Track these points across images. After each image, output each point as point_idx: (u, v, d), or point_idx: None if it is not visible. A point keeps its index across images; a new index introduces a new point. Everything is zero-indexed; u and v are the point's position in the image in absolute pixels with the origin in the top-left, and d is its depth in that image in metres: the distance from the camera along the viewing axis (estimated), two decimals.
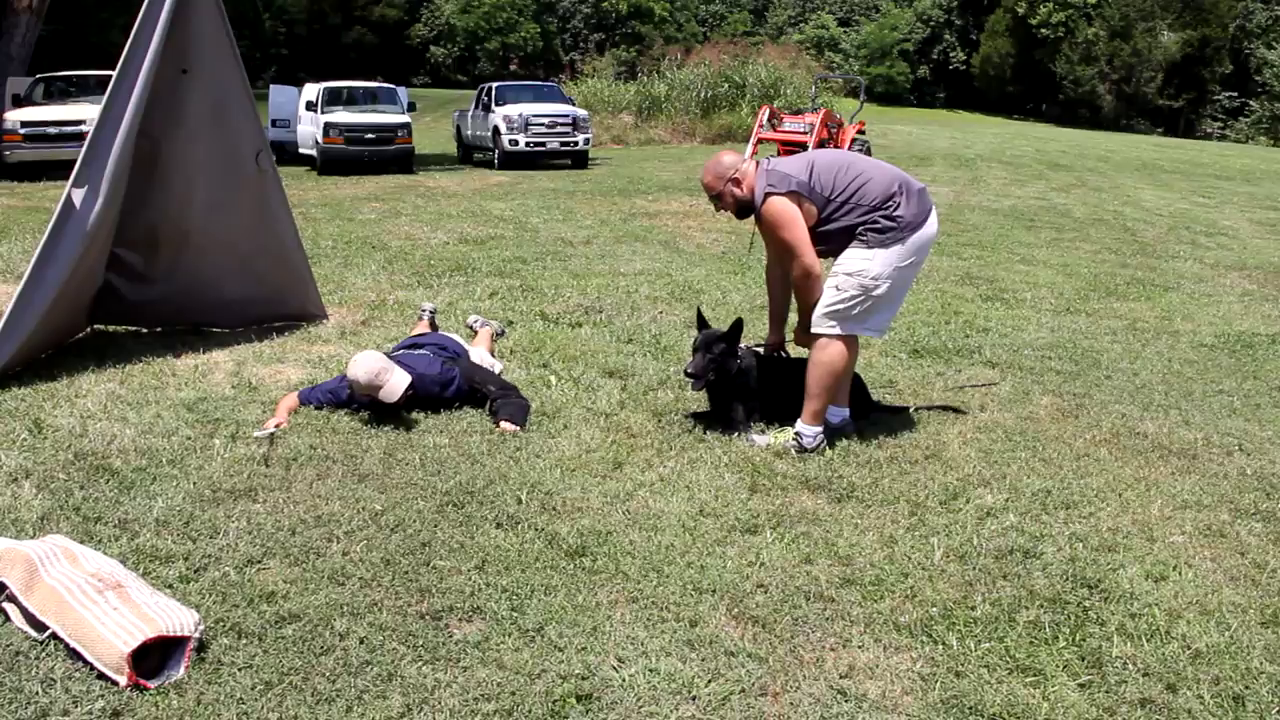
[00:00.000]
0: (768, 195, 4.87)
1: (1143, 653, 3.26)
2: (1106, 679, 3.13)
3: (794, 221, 4.85)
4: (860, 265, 4.88)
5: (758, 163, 5.08)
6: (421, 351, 5.70)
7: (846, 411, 5.27)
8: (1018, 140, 38.32)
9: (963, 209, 15.86)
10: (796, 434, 5.05)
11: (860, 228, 4.89)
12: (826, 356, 4.98)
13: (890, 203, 4.87)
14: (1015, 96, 75.21)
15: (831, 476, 4.67)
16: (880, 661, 3.21)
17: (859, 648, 3.29)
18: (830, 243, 4.97)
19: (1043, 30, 71.21)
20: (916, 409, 5.69)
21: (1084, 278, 10.19)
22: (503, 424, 5.23)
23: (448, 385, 5.51)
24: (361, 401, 5.28)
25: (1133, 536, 4.13)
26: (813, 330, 5.05)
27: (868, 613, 3.50)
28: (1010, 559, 3.90)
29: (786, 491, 4.52)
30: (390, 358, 5.36)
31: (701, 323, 5.41)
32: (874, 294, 4.90)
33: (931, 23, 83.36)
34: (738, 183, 5.01)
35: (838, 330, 4.96)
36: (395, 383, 5.14)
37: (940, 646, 3.30)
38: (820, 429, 5.05)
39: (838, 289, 4.93)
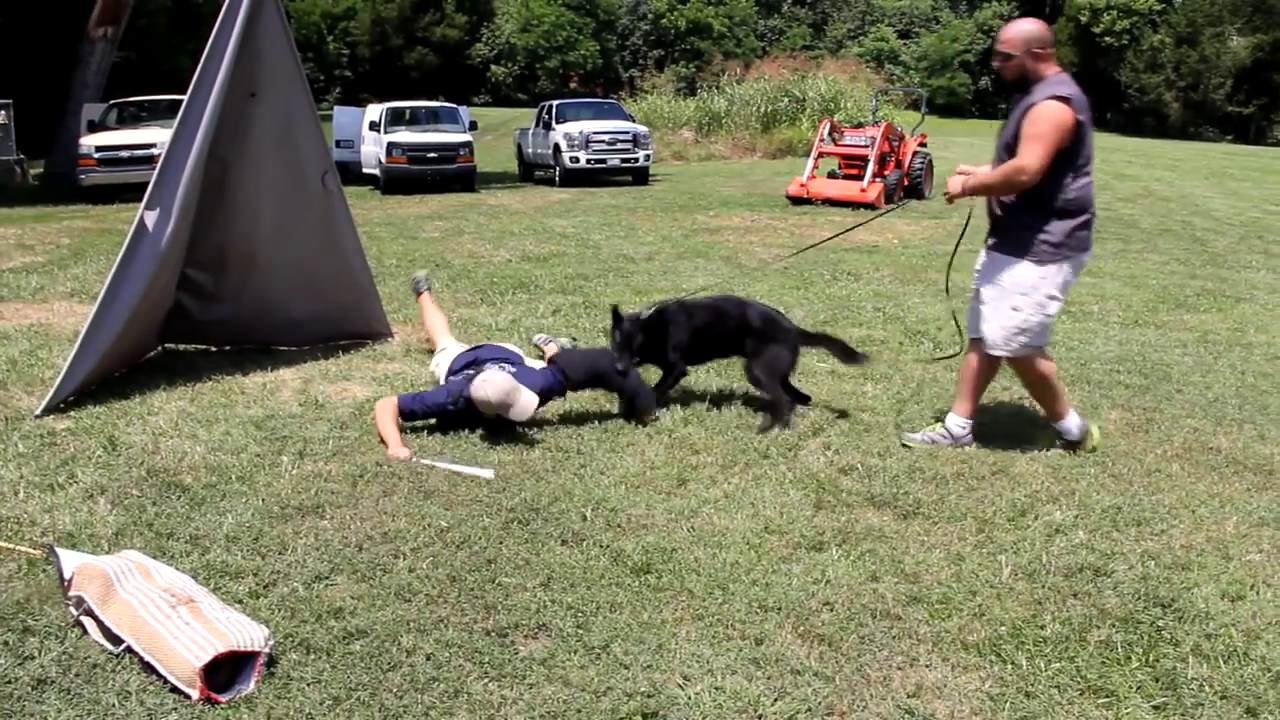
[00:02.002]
0: (1063, 99, 4.74)
1: (1220, 674, 3.19)
2: (1182, 701, 3.06)
3: (1058, 135, 4.73)
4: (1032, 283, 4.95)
5: (1062, 70, 4.93)
6: (511, 369, 5.64)
7: (971, 421, 5.34)
8: None
9: None
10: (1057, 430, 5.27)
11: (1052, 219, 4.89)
12: (1025, 377, 5.26)
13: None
14: None
15: (897, 493, 4.62)
16: (948, 681, 3.17)
17: (926, 667, 3.25)
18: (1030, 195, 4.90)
19: (1106, 39, 70.33)
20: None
21: (1152, 289, 10.01)
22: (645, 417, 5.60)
23: (554, 390, 5.63)
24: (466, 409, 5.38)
25: (1207, 554, 4.04)
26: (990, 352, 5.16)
27: (935, 631, 3.46)
28: (1080, 577, 3.84)
29: (852, 508, 4.48)
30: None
31: (617, 321, 5.70)
32: (1049, 312, 5.02)
33: (992, 33, 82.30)
34: (1039, 59, 4.87)
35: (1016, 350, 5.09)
36: (525, 402, 5.20)
37: (1009, 666, 3.25)
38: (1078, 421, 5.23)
39: (1014, 310, 4.99)
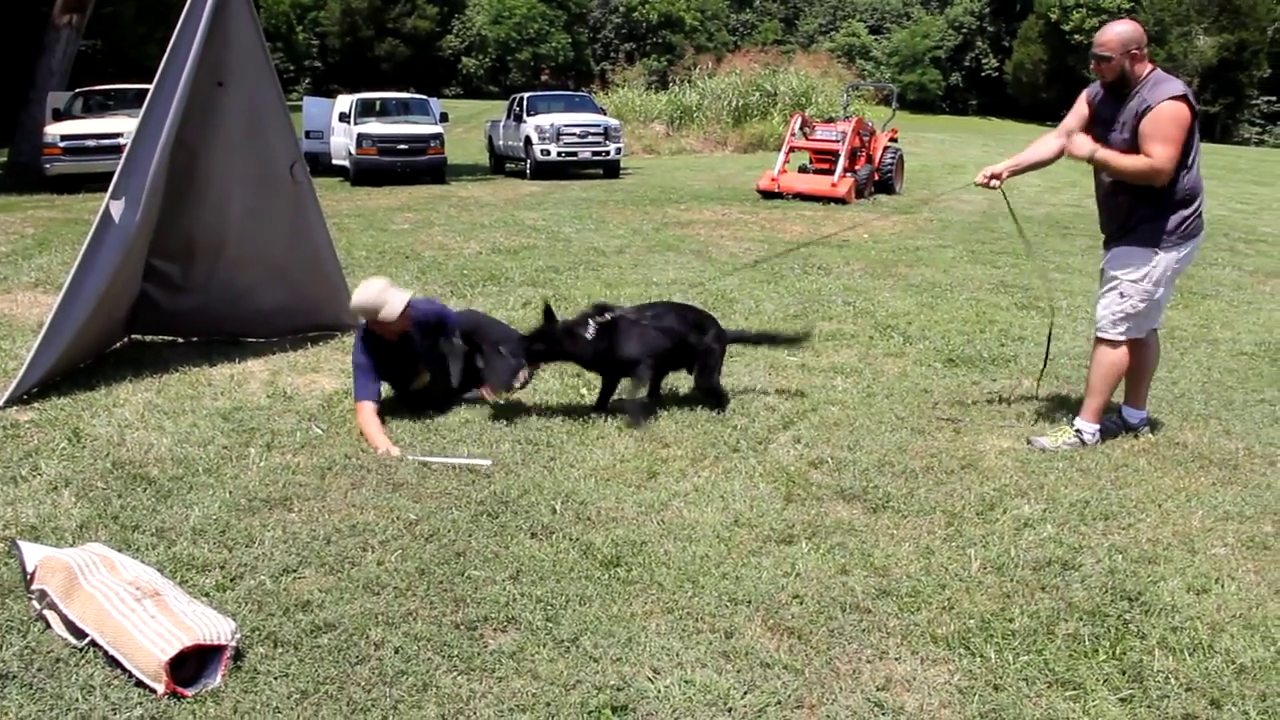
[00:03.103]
0: (1180, 98, 4.87)
1: (1185, 667, 3.21)
2: (1148, 693, 3.08)
3: (1183, 134, 4.89)
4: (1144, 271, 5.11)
5: (1156, 66, 5.05)
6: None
7: (1144, 413, 5.52)
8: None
9: (996, 217, 15.74)
10: (1077, 431, 5.31)
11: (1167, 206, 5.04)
12: (1108, 359, 5.25)
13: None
14: (1049, 103, 74.52)
15: (867, 486, 4.63)
16: (917, 674, 3.18)
17: (896, 660, 3.26)
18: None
19: (1076, 36, 70.71)
20: None
21: None
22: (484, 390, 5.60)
23: (446, 323, 5.69)
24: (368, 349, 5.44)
25: (1173, 548, 4.07)
26: (1098, 335, 5.32)
27: (904, 624, 3.47)
28: (1048, 570, 3.86)
29: (822, 502, 4.49)
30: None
31: (549, 317, 5.55)
32: (1155, 298, 5.16)
33: (963, 30, 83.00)
34: (1136, 60, 4.98)
35: (1122, 335, 5.21)
36: (395, 299, 5.31)
37: (978, 659, 3.26)
38: (1098, 426, 5.32)
39: (1122, 295, 5.15)
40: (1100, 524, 4.30)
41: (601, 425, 5.43)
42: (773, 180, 18.22)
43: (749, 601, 3.58)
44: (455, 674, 3.11)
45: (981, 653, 3.29)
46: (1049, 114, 73.64)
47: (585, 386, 6.14)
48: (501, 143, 26.16)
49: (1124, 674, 3.19)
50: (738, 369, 6.53)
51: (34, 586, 3.39)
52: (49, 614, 3.32)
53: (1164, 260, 5.07)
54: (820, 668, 3.20)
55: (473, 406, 5.71)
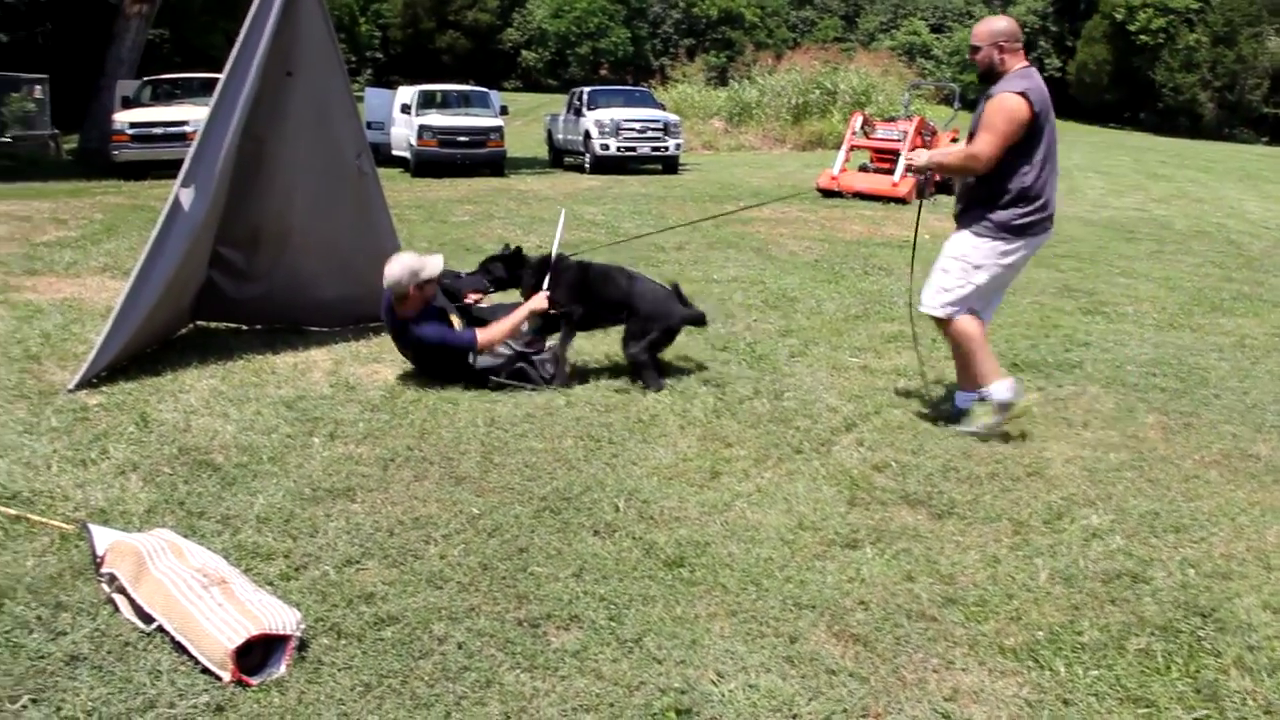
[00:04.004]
0: (1020, 93, 5.02)
1: (1263, 688, 3.13)
2: (1224, 714, 3.01)
3: (1011, 127, 5.03)
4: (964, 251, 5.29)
5: (1028, 66, 5.24)
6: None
7: (974, 395, 5.45)
8: (1115, 149, 37.54)
9: (1059, 220, 15.40)
10: (982, 399, 5.36)
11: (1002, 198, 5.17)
12: (952, 337, 5.42)
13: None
14: (1112, 104, 73.52)
15: (931, 492, 4.57)
16: (985, 685, 3.12)
17: (963, 670, 3.21)
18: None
19: (1142, 37, 69.54)
20: None
21: (1187, 292, 9.89)
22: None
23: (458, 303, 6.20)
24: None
25: (1248, 564, 3.97)
26: (929, 315, 5.50)
27: (971, 634, 3.41)
28: (1118, 583, 3.78)
29: (886, 506, 4.44)
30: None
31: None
32: (974, 281, 5.28)
33: (1026, 29, 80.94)
34: (1004, 52, 5.19)
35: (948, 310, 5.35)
36: (433, 260, 5.77)
37: (1047, 672, 3.20)
38: (1006, 384, 5.32)
39: (944, 271, 5.35)
40: (1171, 536, 4.21)
41: (663, 423, 5.40)
42: (832, 179, 18.10)
43: (813, 606, 3.54)
44: (518, 671, 3.10)
45: (1050, 665, 3.23)
46: (1112, 115, 72.65)
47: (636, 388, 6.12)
48: (561, 136, 26.22)
49: (1198, 693, 3.11)
50: (800, 369, 6.48)
51: (104, 570, 3.43)
52: (118, 598, 3.35)
53: (985, 246, 5.21)
54: (886, 676, 3.16)
55: (531, 398, 5.72)
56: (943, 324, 5.44)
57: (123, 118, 19.84)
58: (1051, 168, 5.19)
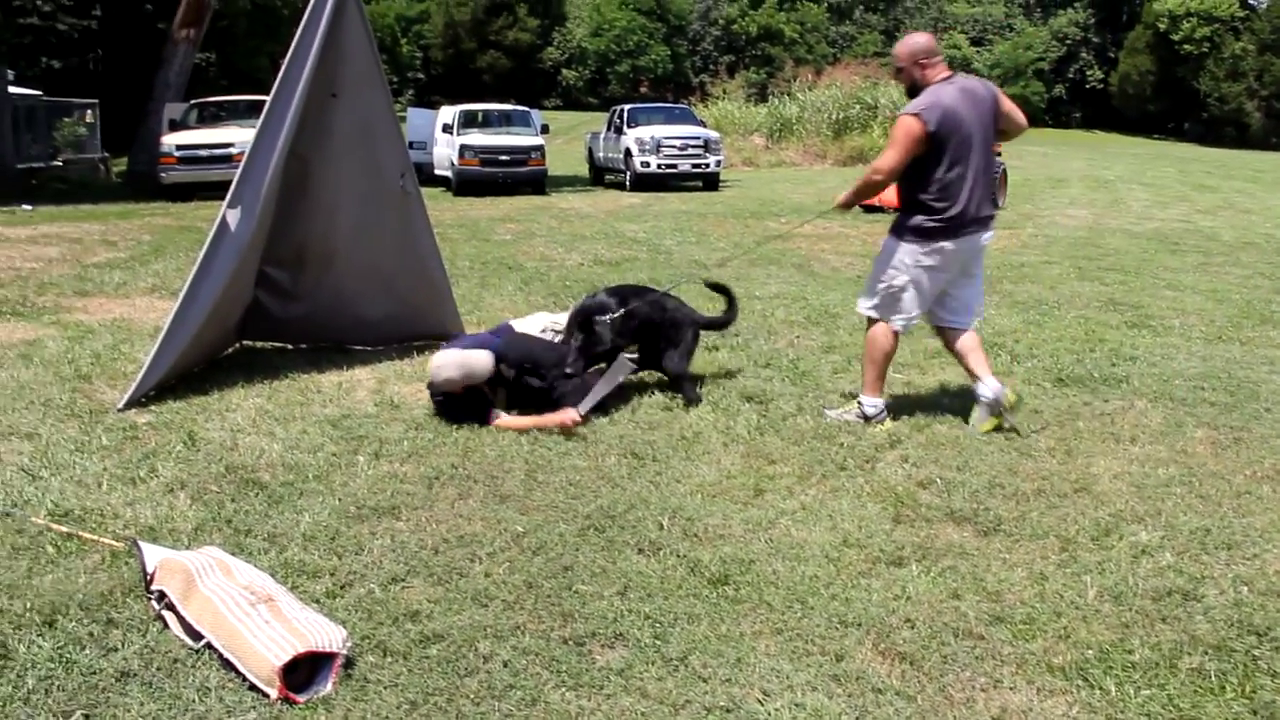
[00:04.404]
0: (914, 114, 5.33)
1: None
2: None
3: (907, 142, 5.33)
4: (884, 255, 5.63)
5: (950, 78, 5.49)
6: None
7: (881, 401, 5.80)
8: (1159, 160, 37.16)
9: (1103, 232, 15.41)
10: (859, 403, 5.75)
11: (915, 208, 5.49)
12: (869, 335, 5.73)
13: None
14: (1155, 115, 72.86)
15: (977, 509, 4.53)
16: (1034, 705, 3.08)
17: (1011, 689, 3.16)
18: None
19: (1185, 46, 68.92)
20: None
21: (1236, 304, 9.75)
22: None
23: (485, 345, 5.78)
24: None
25: None
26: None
27: (1019, 653, 3.37)
28: (1169, 601, 3.72)
29: (931, 523, 4.40)
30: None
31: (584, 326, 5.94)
32: (894, 283, 5.57)
33: (1068, 41, 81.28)
34: (925, 68, 5.49)
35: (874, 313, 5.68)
36: (476, 356, 5.56)
37: (1097, 691, 3.15)
38: (878, 400, 5.75)
39: (871, 275, 5.71)
40: (1223, 553, 4.13)
41: (706, 440, 5.40)
42: None
43: (859, 624, 3.51)
44: (564, 689, 3.09)
45: (1101, 685, 3.18)
46: (1155, 126, 71.98)
47: (676, 402, 6.11)
48: (602, 154, 26.34)
49: (1254, 714, 3.05)
50: (844, 386, 6.45)
51: (153, 587, 3.46)
52: (167, 614, 3.38)
53: (903, 249, 5.52)
54: (933, 695, 3.12)
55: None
56: (869, 321, 5.74)
57: (170, 140, 20.16)
58: (965, 175, 5.39)
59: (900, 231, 5.55)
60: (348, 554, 3.97)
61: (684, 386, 6.12)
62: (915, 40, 5.58)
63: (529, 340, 6.09)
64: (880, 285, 5.60)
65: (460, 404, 5.61)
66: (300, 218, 6.62)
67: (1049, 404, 6.20)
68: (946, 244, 5.46)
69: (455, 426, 5.51)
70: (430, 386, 5.66)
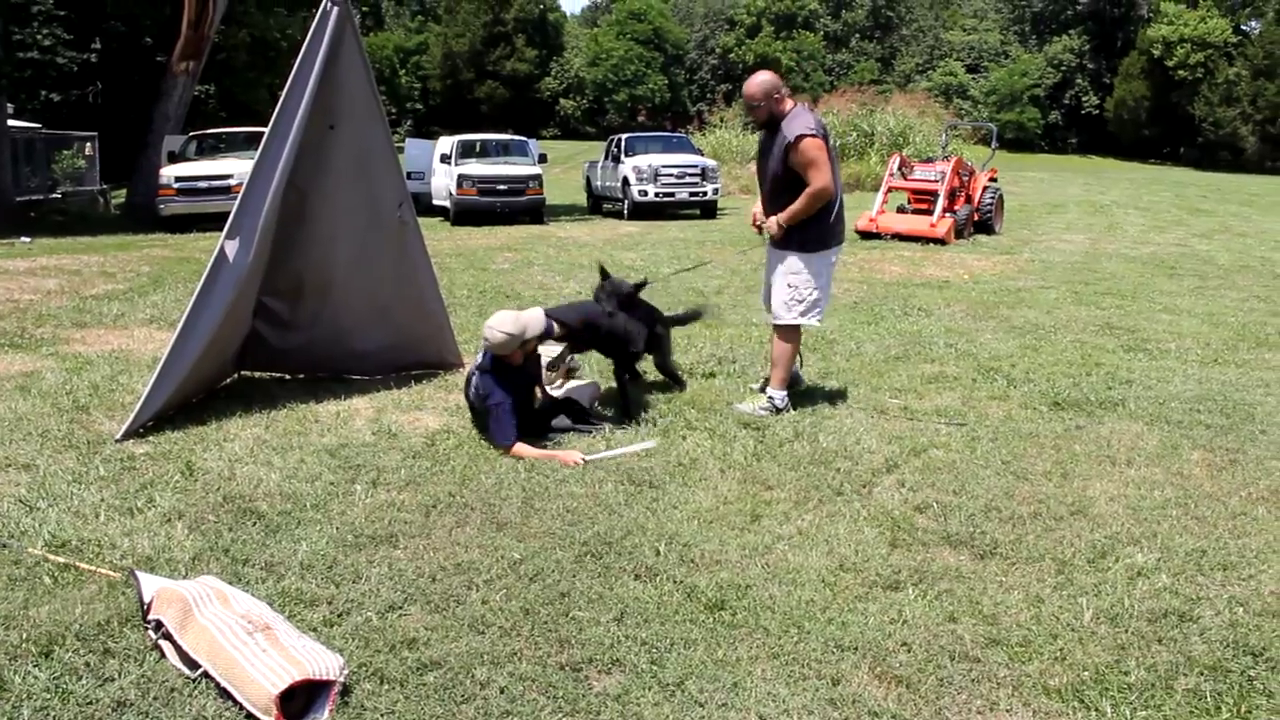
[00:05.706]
0: (811, 134, 5.93)
1: None
2: None
3: (824, 156, 5.99)
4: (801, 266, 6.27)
5: (798, 102, 6.20)
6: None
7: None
8: (1155, 185, 37.27)
9: (1099, 257, 15.47)
10: (769, 397, 6.39)
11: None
12: (781, 341, 6.37)
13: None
14: (1151, 140, 73.23)
15: (974, 532, 4.54)
16: None
17: (1007, 711, 3.17)
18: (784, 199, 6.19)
19: (1180, 72, 69.38)
20: None
21: (1232, 327, 9.78)
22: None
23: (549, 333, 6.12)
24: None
25: None
26: (774, 321, 6.43)
27: (1015, 675, 3.38)
28: (1165, 622, 3.73)
29: (928, 547, 4.41)
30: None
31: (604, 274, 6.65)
32: (818, 286, 6.31)
33: (1063, 67, 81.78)
34: (778, 102, 6.10)
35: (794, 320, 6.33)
36: (532, 315, 5.89)
37: (1094, 713, 3.16)
38: (785, 393, 6.43)
39: (790, 287, 6.28)
40: (1218, 574, 4.15)
41: (703, 467, 5.41)
42: (871, 220, 18.09)
43: (856, 648, 3.52)
44: (560, 715, 3.10)
45: (1097, 706, 3.19)
46: (1151, 151, 72.30)
47: (685, 423, 6.13)
48: (599, 183, 26.43)
49: None
50: (840, 411, 6.46)
51: (150, 616, 3.46)
52: (164, 644, 3.39)
53: (817, 259, 6.24)
54: (930, 718, 3.13)
55: (573, 441, 5.77)
56: (781, 330, 6.35)
57: (168, 172, 20.23)
58: (839, 183, 6.21)
59: (805, 245, 6.20)
60: (345, 582, 3.97)
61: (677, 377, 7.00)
62: (767, 79, 6.14)
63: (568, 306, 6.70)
64: (807, 296, 6.27)
65: (509, 379, 5.75)
66: (298, 248, 6.65)
67: (1045, 427, 6.22)
68: (840, 245, 6.36)
69: (453, 453, 5.51)
70: (485, 345, 5.80)
